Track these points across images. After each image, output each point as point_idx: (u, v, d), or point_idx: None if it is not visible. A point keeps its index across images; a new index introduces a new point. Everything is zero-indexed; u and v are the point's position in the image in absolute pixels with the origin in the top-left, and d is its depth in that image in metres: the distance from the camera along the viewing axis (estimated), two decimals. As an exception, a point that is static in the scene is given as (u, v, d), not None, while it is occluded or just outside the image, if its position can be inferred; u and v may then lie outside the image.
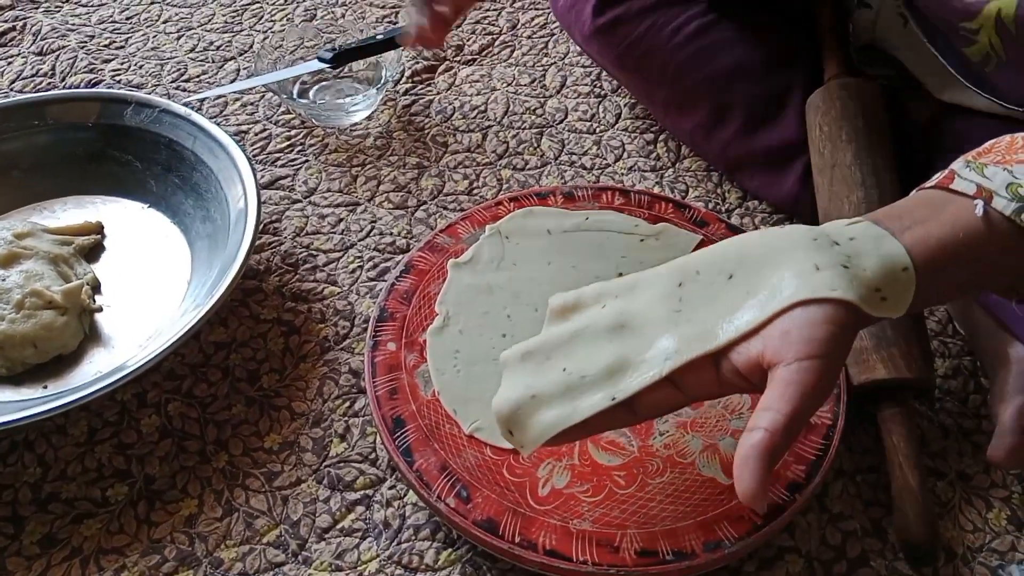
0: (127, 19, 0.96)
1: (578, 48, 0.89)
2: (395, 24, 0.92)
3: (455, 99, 0.85)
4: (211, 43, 0.92)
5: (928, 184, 0.46)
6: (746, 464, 0.39)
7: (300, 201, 0.75)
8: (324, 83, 0.83)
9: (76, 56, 0.90)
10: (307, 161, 0.78)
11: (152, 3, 0.98)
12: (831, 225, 0.45)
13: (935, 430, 0.60)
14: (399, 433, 0.54)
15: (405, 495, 0.56)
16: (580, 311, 0.47)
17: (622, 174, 0.78)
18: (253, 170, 0.67)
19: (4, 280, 0.63)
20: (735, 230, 0.67)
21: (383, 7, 0.97)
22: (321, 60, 0.79)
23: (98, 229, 0.71)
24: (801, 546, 0.54)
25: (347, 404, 0.61)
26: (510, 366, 0.47)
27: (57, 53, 0.90)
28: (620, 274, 0.58)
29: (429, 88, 0.86)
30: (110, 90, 0.83)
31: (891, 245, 0.42)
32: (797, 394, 0.40)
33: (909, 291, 0.42)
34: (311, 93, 0.83)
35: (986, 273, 0.44)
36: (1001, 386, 0.57)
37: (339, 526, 0.54)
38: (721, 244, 0.46)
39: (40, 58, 0.90)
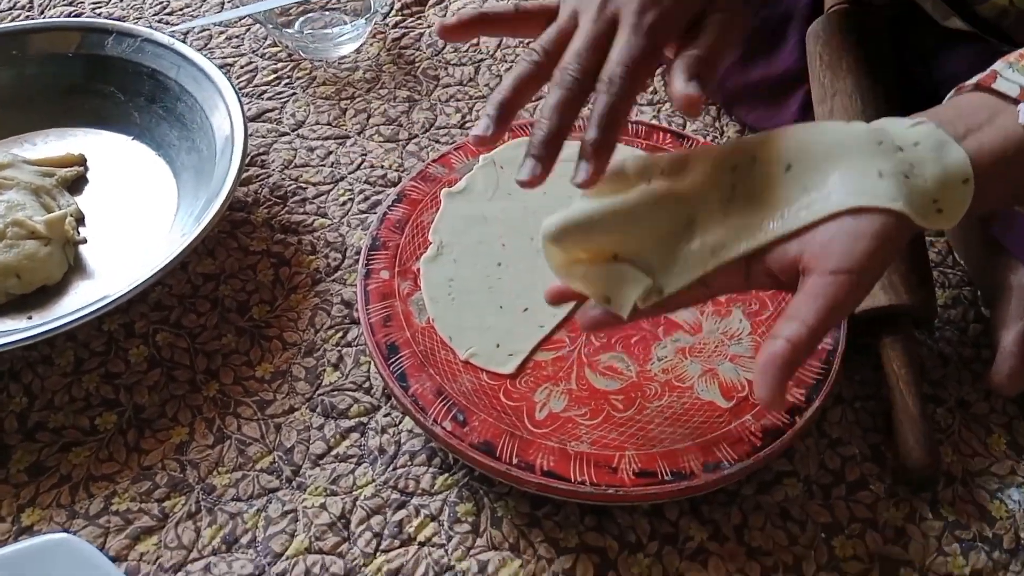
0: (107, -47, 0.93)
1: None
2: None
3: (446, 33, 0.83)
4: (194, -23, 0.89)
5: (968, 85, 0.44)
6: (766, 372, 0.39)
7: (288, 134, 0.73)
8: (311, 15, 0.81)
9: (55, -11, 0.87)
10: (295, 94, 0.76)
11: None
12: (892, 124, 0.43)
13: (935, 359, 0.59)
14: (393, 359, 0.53)
15: (400, 423, 0.55)
16: (621, 183, 0.44)
17: (618, 108, 0.76)
18: (239, 98, 0.66)
19: (-15, 210, 0.61)
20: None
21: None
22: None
23: (80, 161, 0.69)
24: (800, 470, 0.53)
25: (340, 334, 0.60)
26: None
27: (35, -14, 0.87)
28: None
29: (419, 21, 0.84)
30: (91, 19, 0.80)
31: (955, 154, 0.40)
32: (825, 308, 0.39)
33: (966, 203, 0.40)
34: (297, 24, 0.81)
35: None
36: (1002, 312, 0.56)
37: (333, 452, 0.54)
38: (779, 131, 0.44)
39: (17, -9, 0.87)
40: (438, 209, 0.61)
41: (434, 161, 0.64)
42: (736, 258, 0.42)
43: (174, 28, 0.81)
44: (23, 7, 0.85)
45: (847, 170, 0.40)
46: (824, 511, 0.52)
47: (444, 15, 0.85)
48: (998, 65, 0.43)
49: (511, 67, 0.79)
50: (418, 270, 0.57)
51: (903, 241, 0.40)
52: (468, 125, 0.74)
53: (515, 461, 0.48)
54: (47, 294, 0.61)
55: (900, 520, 0.52)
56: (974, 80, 0.44)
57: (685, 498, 0.51)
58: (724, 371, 0.53)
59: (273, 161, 0.71)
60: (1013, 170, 0.41)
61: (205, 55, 0.70)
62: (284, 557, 0.49)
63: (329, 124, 0.74)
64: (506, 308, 0.56)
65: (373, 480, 0.52)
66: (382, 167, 0.70)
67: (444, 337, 0.54)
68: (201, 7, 0.85)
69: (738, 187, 0.43)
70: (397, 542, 0.50)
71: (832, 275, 0.39)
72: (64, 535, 0.47)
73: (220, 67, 0.69)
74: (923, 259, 0.58)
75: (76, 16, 0.84)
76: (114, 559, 0.49)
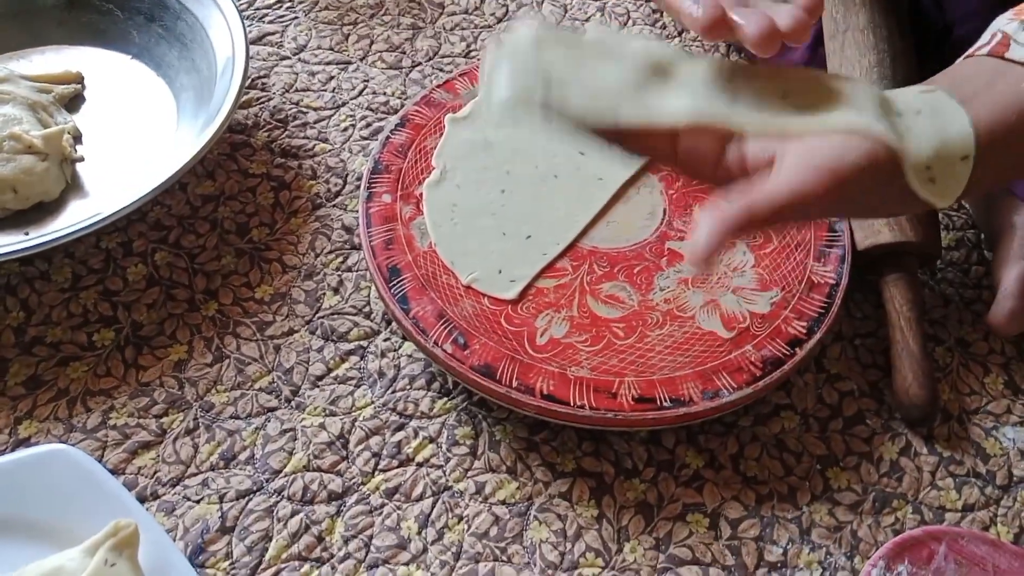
0: None
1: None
2: None
3: (452, -39, 0.81)
4: None
5: (980, 51, 0.40)
6: (711, 223, 0.36)
7: (289, 58, 0.72)
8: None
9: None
10: (296, 18, 0.75)
11: None
12: (900, 92, 0.40)
13: (936, 299, 0.59)
14: (395, 282, 0.52)
15: (400, 347, 0.55)
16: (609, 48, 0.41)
17: (625, 41, 0.75)
18: (240, 16, 0.64)
19: (-20, 124, 0.60)
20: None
21: None
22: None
23: (78, 79, 0.68)
24: (797, 404, 0.54)
25: (340, 259, 0.59)
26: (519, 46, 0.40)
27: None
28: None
29: (425, -52, 0.82)
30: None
31: (957, 127, 0.37)
32: (793, 193, 0.36)
33: (961, 181, 0.37)
34: (301, -52, 0.79)
35: None
36: (1004, 252, 0.56)
37: (332, 374, 0.54)
38: (781, 69, 0.41)
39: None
40: (442, 134, 0.60)
41: (438, 86, 0.63)
42: (733, 126, 0.38)
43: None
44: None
45: (845, 107, 0.38)
46: (820, 443, 0.52)
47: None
48: (1010, 27, 0.40)
49: (518, -3, 0.78)
50: (421, 195, 0.57)
51: (887, 182, 0.37)
52: (473, 54, 0.73)
53: (515, 384, 0.48)
54: (44, 211, 0.60)
55: (895, 454, 0.52)
56: (986, 47, 0.40)
57: (682, 426, 0.51)
58: (726, 302, 0.53)
59: (274, 84, 0.69)
60: (1015, 143, 0.37)
61: (205, -24, 0.69)
62: (282, 474, 0.49)
63: (331, 49, 0.72)
64: (509, 235, 0.55)
65: (372, 402, 0.53)
66: (384, 94, 0.69)
67: (446, 261, 0.54)
68: (201, -73, 0.83)
69: (731, 91, 0.40)
70: (395, 462, 0.50)
71: (814, 170, 0.36)
72: (62, 446, 0.47)
73: (221, -13, 0.67)
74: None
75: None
76: (112, 472, 0.49)
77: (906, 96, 0.39)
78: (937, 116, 0.37)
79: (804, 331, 0.51)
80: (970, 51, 0.41)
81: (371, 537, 0.47)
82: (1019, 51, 0.39)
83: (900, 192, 0.37)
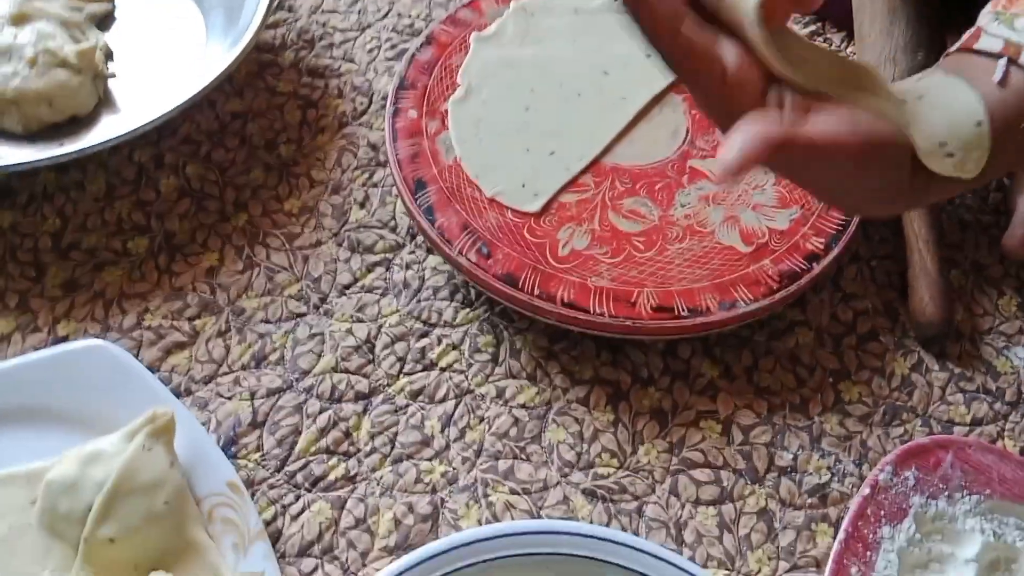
0: None
1: None
2: None
3: None
4: None
5: (953, 48, 0.40)
6: (742, 136, 0.34)
7: (317, -20, 0.72)
8: None
9: None
10: (324, -59, 0.75)
11: None
12: (901, 82, 0.40)
13: (953, 224, 0.60)
14: (420, 194, 0.54)
15: (424, 260, 0.56)
16: None
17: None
18: (270, -65, 0.65)
19: (16, 37, 0.61)
20: (767, 18, 0.65)
21: None
22: None
23: (109, -3, 0.69)
24: (812, 320, 0.55)
25: (366, 175, 0.60)
26: None
27: None
28: (648, 56, 0.56)
29: None
30: None
31: (964, 95, 0.37)
32: (828, 131, 0.36)
33: (983, 146, 0.37)
34: None
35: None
36: (1022, 177, 0.57)
37: (359, 283, 0.55)
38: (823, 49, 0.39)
39: None
40: (467, 53, 0.61)
41: (464, 6, 0.63)
42: (790, 73, 0.37)
43: None
44: None
45: (875, 96, 0.37)
46: (833, 358, 0.53)
47: None
48: (983, 19, 0.39)
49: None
50: (446, 111, 0.58)
51: (895, 166, 0.37)
52: (498, -21, 0.73)
53: (537, 292, 0.50)
54: (78, 125, 0.61)
55: (907, 370, 0.53)
56: (959, 42, 0.40)
57: (699, 337, 0.53)
58: (746, 218, 0.54)
59: (301, 6, 0.70)
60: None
61: None
62: (311, 374, 0.51)
63: (358, -28, 0.73)
64: (533, 150, 0.56)
65: (397, 311, 0.54)
66: (410, 16, 0.70)
67: (471, 175, 0.55)
68: None
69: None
70: (420, 366, 0.52)
71: (854, 127, 0.36)
72: (100, 341, 0.49)
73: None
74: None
75: None
76: (147, 369, 0.51)
77: (905, 85, 0.39)
78: (940, 93, 0.37)
79: (822, 247, 0.52)
80: (950, 47, 0.41)
81: (396, 434, 0.49)
82: (987, 41, 0.38)
83: (903, 180, 0.38)
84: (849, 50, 0.69)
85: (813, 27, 0.71)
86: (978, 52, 0.38)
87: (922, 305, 0.53)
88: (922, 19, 0.60)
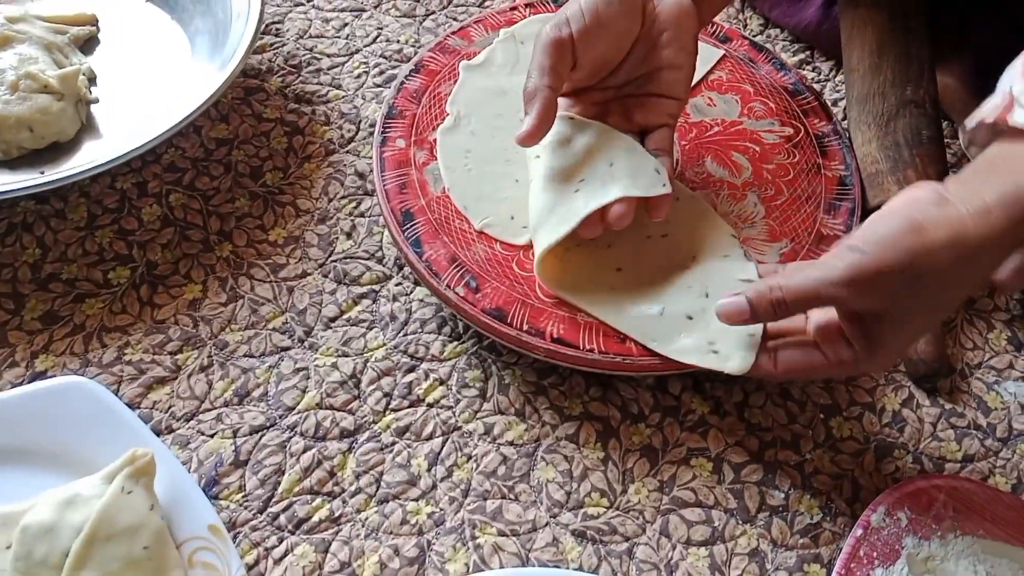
0: None
1: None
2: None
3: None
4: None
5: (982, 117, 0.42)
6: (737, 305, 0.43)
7: (303, 4, 0.71)
8: None
9: None
10: (311, -36, 0.74)
11: None
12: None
13: (943, 255, 0.59)
14: (408, 226, 0.53)
15: (412, 292, 0.56)
16: None
17: (640, -6, 0.74)
18: (256, -41, 0.64)
19: (-4, 62, 0.60)
20: (758, 48, 0.65)
21: None
22: None
23: (92, 21, 0.68)
24: (803, 355, 0.54)
25: (353, 204, 0.60)
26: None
27: None
28: None
29: None
30: None
31: None
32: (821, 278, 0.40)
33: None
34: None
35: None
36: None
37: (345, 316, 0.54)
38: None
39: None
40: (456, 81, 0.60)
41: (453, 33, 0.63)
42: None
43: None
44: None
45: None
46: (824, 393, 0.53)
47: None
48: (1018, 86, 0.41)
49: None
50: (434, 140, 0.57)
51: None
52: (487, 4, 0.73)
53: (526, 327, 0.49)
54: (59, 151, 0.60)
55: (897, 405, 0.53)
56: (993, 112, 0.41)
57: (689, 373, 0.52)
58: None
59: (288, 30, 0.69)
60: None
61: (221, -83, 0.68)
62: (296, 411, 0.50)
63: (345, -4, 0.72)
64: (522, 181, 0.55)
65: (384, 344, 0.53)
66: (398, 42, 0.69)
67: (459, 206, 0.54)
68: None
69: None
70: (406, 402, 0.51)
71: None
72: (79, 378, 0.48)
73: (236, -70, 0.67)
74: (940, 155, 0.58)
75: None
76: (128, 406, 0.50)
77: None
78: None
79: (812, 282, 0.52)
80: (980, 115, 0.42)
81: (382, 473, 0.48)
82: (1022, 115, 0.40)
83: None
84: (837, 79, 0.69)
85: (803, 55, 0.71)
86: (1014, 129, 0.40)
87: (915, 347, 0.53)
88: (911, 54, 0.60)
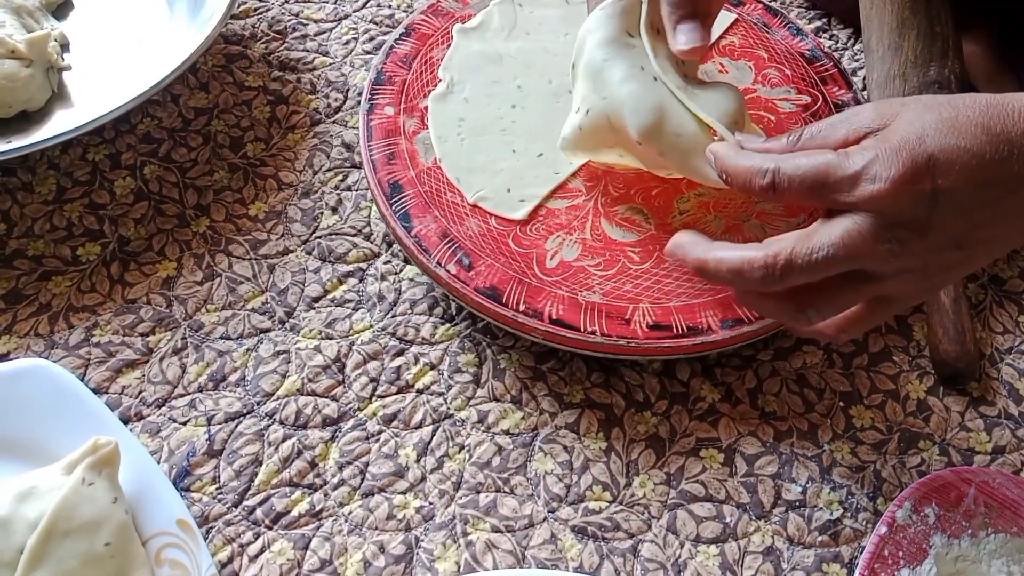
0: None
1: None
2: None
3: None
4: None
5: None
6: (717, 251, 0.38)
7: (290, -33, 0.68)
8: None
9: None
10: (299, -74, 0.70)
11: None
12: None
13: (970, 233, 0.56)
14: (396, 199, 0.49)
15: (401, 271, 0.52)
16: None
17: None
18: (237, -83, 0.60)
19: (-39, 26, 0.57)
20: (772, 12, 0.61)
21: None
22: None
23: (65, -16, 0.64)
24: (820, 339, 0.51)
25: (340, 177, 0.56)
26: None
27: None
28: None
29: None
30: None
31: None
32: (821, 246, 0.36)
33: None
34: None
35: None
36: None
37: (329, 296, 0.51)
38: None
39: None
40: (449, 45, 0.56)
41: (447, -5, 0.59)
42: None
43: None
44: None
45: None
46: (844, 380, 0.49)
47: None
48: None
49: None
50: (426, 108, 0.53)
51: None
52: (485, -32, 0.69)
53: (522, 308, 0.45)
54: (28, 121, 0.57)
55: (922, 393, 0.49)
56: None
57: (698, 357, 0.48)
58: (749, 227, 0.50)
59: (273, -6, 0.65)
60: None
61: None
62: (275, 397, 0.47)
63: (334, -41, 0.68)
64: (519, 152, 0.52)
65: (371, 326, 0.50)
66: (389, 6, 0.65)
67: (451, 178, 0.50)
68: None
69: None
70: (394, 388, 0.47)
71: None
72: (40, 360, 0.44)
73: None
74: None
75: None
76: (94, 391, 0.46)
77: None
78: None
79: (832, 260, 0.48)
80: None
81: (367, 464, 0.45)
82: None
83: None
84: (856, 47, 0.65)
85: (819, 22, 0.67)
86: None
87: (936, 341, 0.49)
88: (934, 32, 0.56)
